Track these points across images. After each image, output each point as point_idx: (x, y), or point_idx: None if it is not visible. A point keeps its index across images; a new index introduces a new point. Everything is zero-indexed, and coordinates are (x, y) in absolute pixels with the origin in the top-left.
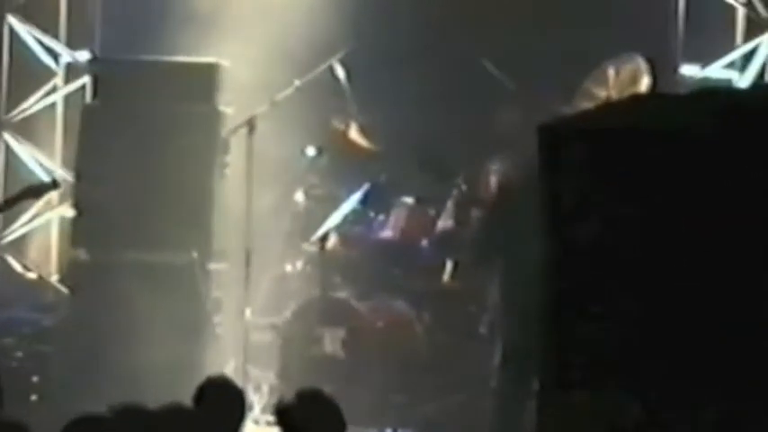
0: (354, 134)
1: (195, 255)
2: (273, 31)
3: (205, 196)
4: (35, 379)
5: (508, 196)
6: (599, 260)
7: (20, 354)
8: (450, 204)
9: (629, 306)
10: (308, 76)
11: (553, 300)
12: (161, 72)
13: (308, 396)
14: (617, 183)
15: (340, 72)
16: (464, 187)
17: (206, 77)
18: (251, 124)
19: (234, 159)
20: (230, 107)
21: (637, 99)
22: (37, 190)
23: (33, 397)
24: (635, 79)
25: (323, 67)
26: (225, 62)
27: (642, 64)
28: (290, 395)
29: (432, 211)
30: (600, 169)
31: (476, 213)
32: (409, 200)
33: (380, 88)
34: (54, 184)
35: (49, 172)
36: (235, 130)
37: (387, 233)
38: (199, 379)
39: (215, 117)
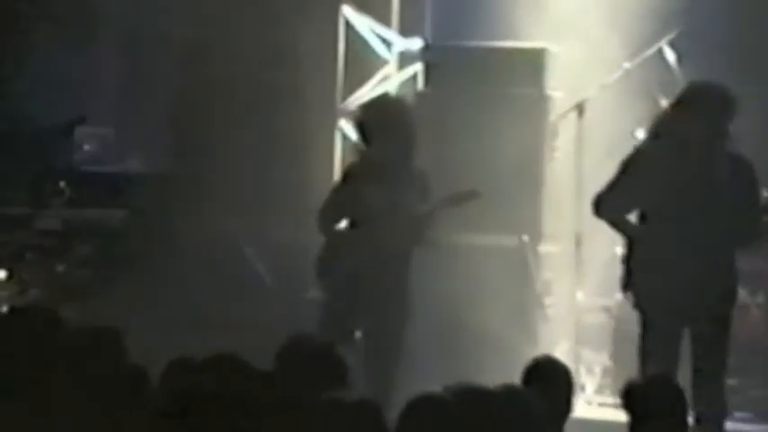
0: None
1: (526, 238)
2: (602, 14)
3: (535, 180)
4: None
5: None
6: None
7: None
8: None
9: None
10: (637, 59)
11: None
12: (491, 57)
13: (656, 380)
14: None
15: (669, 54)
16: None
17: (534, 62)
18: (580, 108)
19: (563, 143)
20: (559, 91)
21: None
22: (463, 197)
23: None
24: None
25: (653, 49)
26: (553, 46)
27: None
28: (622, 377)
29: None
30: None
31: None
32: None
33: (710, 70)
34: (475, 194)
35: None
36: (564, 115)
37: None
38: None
39: (543, 101)
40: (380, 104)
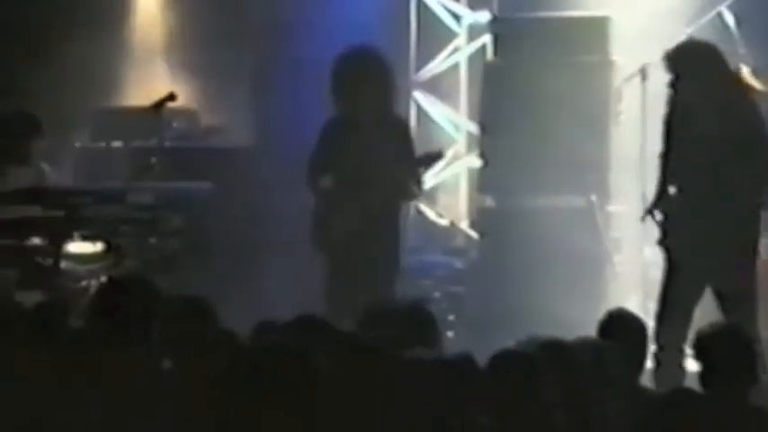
0: (747, 76)
1: (594, 198)
2: None
3: (601, 142)
4: (451, 317)
5: None
6: None
7: (437, 294)
8: None
9: None
10: (697, 24)
11: None
12: (556, 27)
13: (726, 330)
14: None
15: (729, 18)
16: None
17: (598, 30)
18: (644, 73)
19: (627, 107)
20: (623, 57)
21: None
22: (430, 158)
23: (450, 334)
24: None
25: (712, 13)
26: (615, 14)
27: None
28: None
29: None
30: None
31: None
32: None
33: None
34: (440, 155)
35: (455, 125)
36: (628, 79)
37: None
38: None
39: (608, 67)
40: (358, 58)
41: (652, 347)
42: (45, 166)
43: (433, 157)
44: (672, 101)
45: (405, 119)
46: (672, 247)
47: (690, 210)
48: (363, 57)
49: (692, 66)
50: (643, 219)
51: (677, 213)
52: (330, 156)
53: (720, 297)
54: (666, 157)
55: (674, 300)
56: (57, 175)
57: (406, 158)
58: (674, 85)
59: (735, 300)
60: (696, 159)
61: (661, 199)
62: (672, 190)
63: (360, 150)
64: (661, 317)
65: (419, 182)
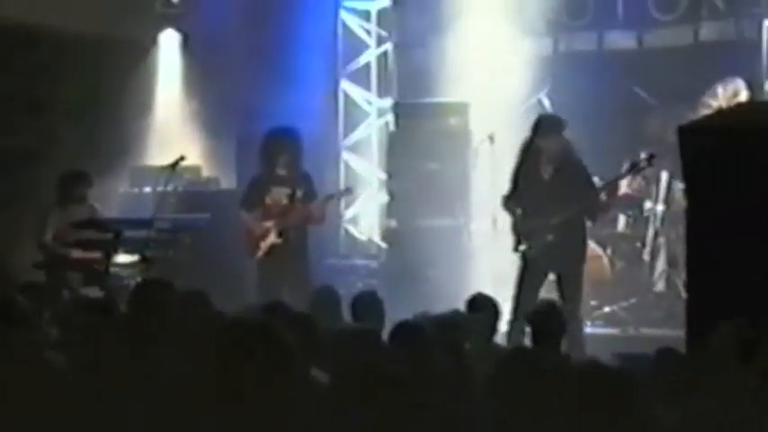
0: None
1: (462, 220)
2: (498, 80)
3: (465, 183)
4: None
5: None
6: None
7: (360, 284)
8: (623, 181)
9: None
10: (525, 106)
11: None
12: (435, 108)
13: (546, 307)
14: (734, 166)
15: (546, 102)
16: (628, 168)
17: (461, 110)
18: (491, 137)
19: (482, 161)
20: (477, 128)
21: (740, 106)
22: (340, 193)
23: None
24: (737, 93)
25: (534, 99)
26: (472, 101)
27: (741, 83)
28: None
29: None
30: (721, 156)
31: (639, 185)
32: (595, 179)
33: (573, 111)
34: (348, 190)
35: (370, 173)
36: (481, 142)
37: None
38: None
39: (467, 134)
40: (279, 136)
41: (506, 318)
42: (96, 205)
43: (344, 192)
44: (523, 154)
45: (307, 172)
46: (525, 253)
47: (537, 228)
48: (282, 134)
49: (545, 127)
50: (515, 249)
51: (528, 230)
52: (257, 196)
53: (558, 281)
54: (513, 192)
55: (525, 286)
56: (106, 210)
57: (310, 197)
58: (531, 139)
59: (567, 283)
60: (540, 193)
61: (515, 221)
62: (518, 212)
63: (278, 193)
64: (517, 297)
65: (323, 212)
